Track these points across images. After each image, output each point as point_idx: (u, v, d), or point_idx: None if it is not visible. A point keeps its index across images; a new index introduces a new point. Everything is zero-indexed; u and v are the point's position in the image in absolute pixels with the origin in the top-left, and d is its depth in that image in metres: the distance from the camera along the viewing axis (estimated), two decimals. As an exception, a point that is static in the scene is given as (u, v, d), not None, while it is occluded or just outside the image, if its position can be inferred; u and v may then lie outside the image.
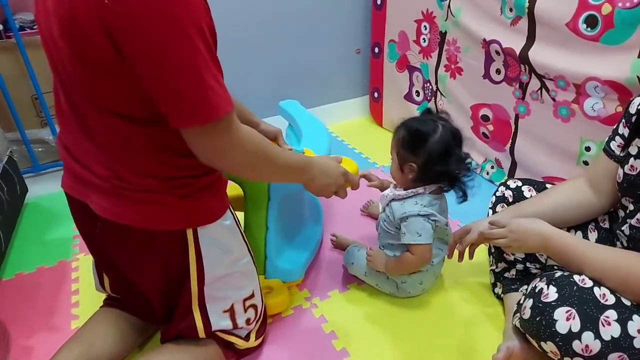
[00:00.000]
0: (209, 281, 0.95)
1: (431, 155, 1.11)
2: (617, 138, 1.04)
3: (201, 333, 0.98)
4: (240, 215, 1.24)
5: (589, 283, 0.90)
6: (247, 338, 1.06)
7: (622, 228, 1.01)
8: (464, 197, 1.15)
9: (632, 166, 0.97)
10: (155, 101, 0.76)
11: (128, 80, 0.75)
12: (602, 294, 0.88)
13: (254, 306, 1.05)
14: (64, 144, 0.92)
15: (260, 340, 1.11)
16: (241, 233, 1.02)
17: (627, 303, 0.87)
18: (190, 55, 0.72)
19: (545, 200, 1.12)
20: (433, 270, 1.25)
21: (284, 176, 1.02)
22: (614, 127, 1.07)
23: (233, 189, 1.23)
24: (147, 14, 0.68)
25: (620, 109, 1.31)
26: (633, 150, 0.98)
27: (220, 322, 0.99)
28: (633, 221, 0.97)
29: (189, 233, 0.89)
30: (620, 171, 0.99)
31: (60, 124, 0.91)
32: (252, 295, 1.04)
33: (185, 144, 0.83)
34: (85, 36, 0.72)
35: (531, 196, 1.23)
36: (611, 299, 0.87)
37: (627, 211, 1.00)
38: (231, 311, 1.00)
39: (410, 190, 1.17)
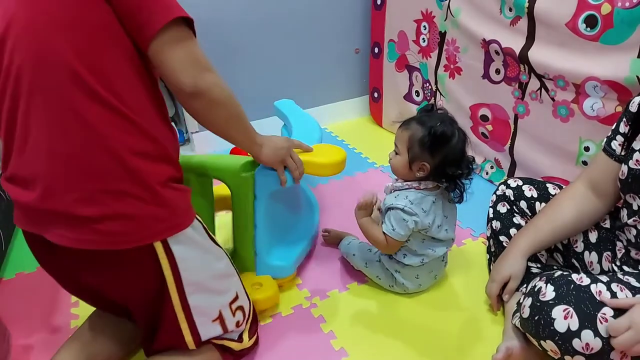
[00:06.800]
0: (190, 290, 0.90)
1: (447, 158, 1.12)
2: (618, 137, 1.04)
3: (191, 345, 0.95)
4: (229, 214, 1.25)
5: (585, 281, 0.90)
6: (240, 339, 1.05)
7: (629, 226, 1.00)
8: (460, 198, 1.19)
9: (637, 160, 0.97)
10: (130, 23, 0.79)
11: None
12: (598, 291, 0.88)
13: (241, 307, 1.03)
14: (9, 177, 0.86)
15: (254, 339, 1.09)
16: (212, 236, 0.97)
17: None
18: None
19: (558, 223, 1.12)
20: (429, 266, 1.25)
21: (241, 126, 0.99)
22: (613, 127, 1.07)
23: (220, 189, 1.24)
24: None
25: (619, 108, 1.32)
26: (637, 145, 0.98)
27: (209, 332, 0.97)
28: None
29: (157, 246, 0.84)
30: (625, 167, 0.99)
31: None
32: (237, 297, 1.02)
33: (138, 139, 0.82)
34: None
35: (532, 196, 1.23)
36: (607, 296, 0.87)
37: (633, 208, 1.00)
38: (220, 318, 0.98)
39: (406, 183, 1.18)
